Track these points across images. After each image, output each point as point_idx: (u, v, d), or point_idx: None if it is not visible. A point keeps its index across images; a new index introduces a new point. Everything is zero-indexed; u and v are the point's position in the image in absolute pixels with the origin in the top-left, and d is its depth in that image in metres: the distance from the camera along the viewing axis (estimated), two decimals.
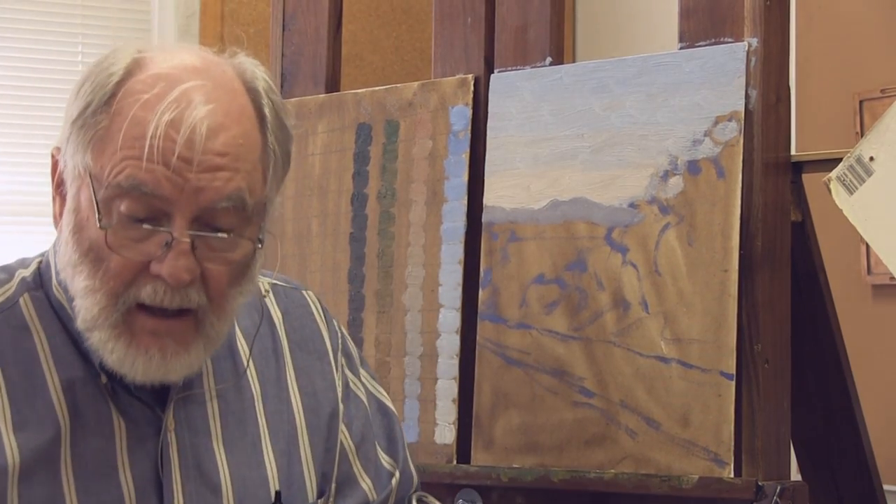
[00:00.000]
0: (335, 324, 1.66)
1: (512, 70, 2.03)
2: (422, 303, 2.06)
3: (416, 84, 2.13)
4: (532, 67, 2.02)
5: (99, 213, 1.36)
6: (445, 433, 2.02)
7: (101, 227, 1.36)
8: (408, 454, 1.69)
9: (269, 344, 1.58)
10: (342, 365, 1.64)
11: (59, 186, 1.44)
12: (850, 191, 1.83)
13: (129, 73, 1.39)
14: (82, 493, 1.40)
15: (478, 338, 1.99)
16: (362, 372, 1.67)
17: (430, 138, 2.08)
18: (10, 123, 3.80)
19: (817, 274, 1.97)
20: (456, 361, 2.02)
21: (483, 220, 2.01)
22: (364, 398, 1.65)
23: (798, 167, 1.88)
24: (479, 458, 1.96)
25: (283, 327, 1.60)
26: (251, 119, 1.42)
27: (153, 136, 1.34)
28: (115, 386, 1.43)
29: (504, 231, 1.98)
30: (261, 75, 1.45)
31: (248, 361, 1.54)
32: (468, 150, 2.06)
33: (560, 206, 1.94)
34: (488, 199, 2.01)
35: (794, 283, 1.86)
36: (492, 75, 2.05)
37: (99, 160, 1.37)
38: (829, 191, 1.85)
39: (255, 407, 1.54)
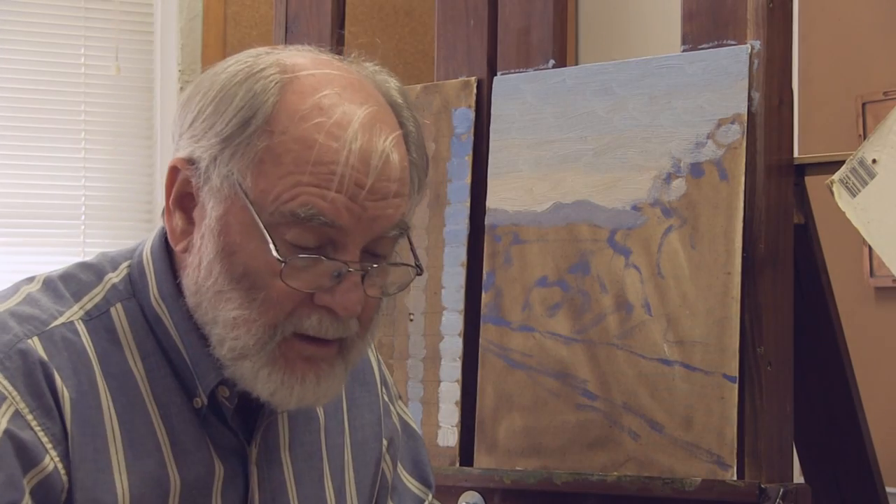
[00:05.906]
0: (376, 350, 1.61)
1: (515, 72, 2.03)
2: (424, 305, 2.06)
3: (418, 87, 2.13)
4: (535, 70, 2.01)
5: (275, 244, 1.27)
6: (448, 436, 2.02)
7: (279, 258, 1.27)
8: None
9: None
10: (383, 393, 1.59)
11: (180, 200, 1.34)
12: (853, 193, 1.83)
13: (285, 89, 1.30)
14: None
15: (480, 340, 1.99)
16: (393, 392, 1.63)
17: (432, 141, 2.08)
18: (12, 126, 3.79)
19: (820, 276, 1.97)
20: (459, 364, 2.02)
21: (486, 222, 2.01)
22: (398, 424, 1.61)
23: (801, 170, 1.87)
24: (482, 460, 1.96)
25: None
26: (401, 139, 1.35)
27: (343, 164, 1.27)
28: (207, 411, 1.36)
29: (507, 233, 1.98)
30: (394, 86, 1.38)
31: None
32: (471, 152, 2.05)
33: (563, 209, 1.94)
34: (491, 201, 2.01)
35: (797, 286, 1.86)
36: (494, 78, 2.05)
37: (259, 183, 1.28)
38: (832, 193, 1.84)
39: (320, 439, 1.48)
